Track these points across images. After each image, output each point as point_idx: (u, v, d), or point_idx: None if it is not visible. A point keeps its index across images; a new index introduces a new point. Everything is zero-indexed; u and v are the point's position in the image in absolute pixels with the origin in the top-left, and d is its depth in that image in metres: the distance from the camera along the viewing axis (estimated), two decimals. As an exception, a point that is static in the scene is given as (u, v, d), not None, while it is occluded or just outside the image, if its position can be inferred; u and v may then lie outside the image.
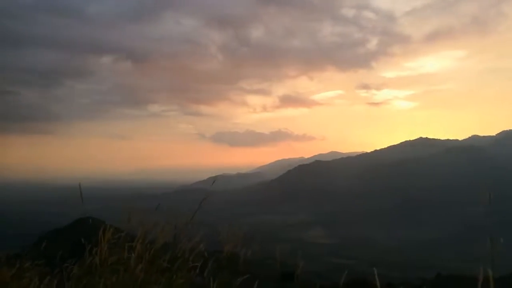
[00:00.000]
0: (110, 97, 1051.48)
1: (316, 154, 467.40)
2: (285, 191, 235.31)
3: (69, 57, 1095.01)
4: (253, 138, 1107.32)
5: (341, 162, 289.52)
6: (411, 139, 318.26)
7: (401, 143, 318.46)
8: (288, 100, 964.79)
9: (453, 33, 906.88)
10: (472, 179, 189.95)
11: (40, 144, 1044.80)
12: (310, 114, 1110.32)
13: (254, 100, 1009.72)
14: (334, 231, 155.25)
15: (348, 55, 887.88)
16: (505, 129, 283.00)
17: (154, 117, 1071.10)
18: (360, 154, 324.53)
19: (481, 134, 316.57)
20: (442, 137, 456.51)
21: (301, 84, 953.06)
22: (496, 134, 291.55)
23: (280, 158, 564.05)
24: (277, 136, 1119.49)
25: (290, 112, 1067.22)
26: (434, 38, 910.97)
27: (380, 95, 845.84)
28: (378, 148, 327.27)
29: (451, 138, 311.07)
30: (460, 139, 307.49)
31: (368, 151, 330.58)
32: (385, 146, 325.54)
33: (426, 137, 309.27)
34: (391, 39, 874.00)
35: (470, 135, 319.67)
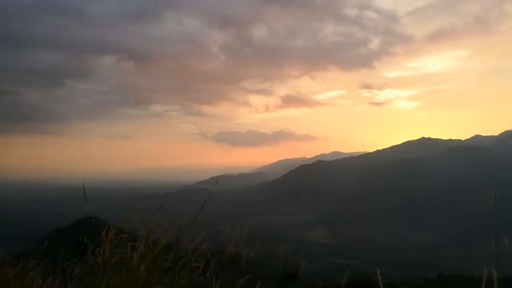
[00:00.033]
0: (111, 97, 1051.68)
1: (318, 154, 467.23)
2: (287, 191, 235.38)
3: (70, 57, 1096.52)
4: (255, 138, 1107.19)
5: (343, 162, 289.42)
6: (413, 139, 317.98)
7: (403, 143, 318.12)
8: (290, 100, 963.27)
9: (455, 33, 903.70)
10: (474, 179, 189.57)
11: (41, 144, 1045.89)
12: (312, 114, 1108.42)
13: (256, 100, 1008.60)
14: (336, 231, 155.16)
15: (350, 55, 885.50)
16: (508, 129, 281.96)
17: (156, 117, 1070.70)
18: (362, 154, 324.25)
19: (484, 134, 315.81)
20: (445, 137, 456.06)
21: (303, 84, 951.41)
22: (499, 134, 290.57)
23: (282, 158, 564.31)
24: (279, 136, 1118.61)
25: (292, 112, 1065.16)
26: (437, 38, 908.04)
27: (382, 95, 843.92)
28: (380, 148, 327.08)
29: (453, 138, 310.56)
30: (462, 139, 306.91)
31: (370, 151, 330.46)
32: (387, 146, 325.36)
33: (429, 137, 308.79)
34: (393, 39, 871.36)
35: (472, 135, 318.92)
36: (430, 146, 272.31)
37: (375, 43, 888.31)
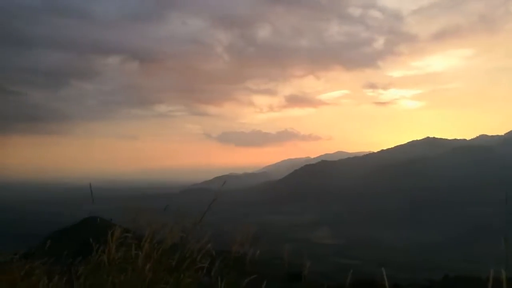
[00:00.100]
0: (116, 97, 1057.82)
1: (322, 154, 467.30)
2: (291, 191, 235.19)
3: (75, 57, 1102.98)
4: (260, 138, 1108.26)
5: (348, 162, 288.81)
6: (418, 139, 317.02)
7: (408, 142, 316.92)
8: (294, 100, 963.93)
9: (460, 31, 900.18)
10: (480, 179, 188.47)
11: (47, 145, 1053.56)
12: (316, 113, 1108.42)
13: (260, 100, 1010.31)
14: (340, 231, 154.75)
15: (354, 55, 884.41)
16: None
17: (160, 117, 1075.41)
18: (366, 154, 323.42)
19: (489, 133, 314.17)
20: (450, 136, 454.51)
21: (308, 83, 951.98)
22: (505, 134, 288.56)
23: (286, 158, 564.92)
24: (284, 136, 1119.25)
25: (296, 112, 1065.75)
26: (441, 37, 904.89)
27: (386, 94, 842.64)
28: (384, 148, 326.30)
29: (458, 138, 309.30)
30: (467, 139, 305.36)
31: (375, 151, 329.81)
32: (392, 146, 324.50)
33: (433, 137, 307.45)
34: (398, 38, 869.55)
35: (478, 135, 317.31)
36: (435, 146, 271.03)
37: (379, 42, 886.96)
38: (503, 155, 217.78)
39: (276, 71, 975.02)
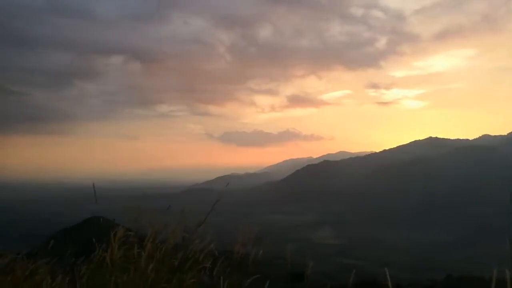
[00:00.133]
0: (118, 97, 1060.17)
1: (324, 154, 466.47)
2: (293, 191, 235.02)
3: (78, 57, 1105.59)
4: (261, 138, 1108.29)
5: (350, 162, 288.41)
6: (420, 139, 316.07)
7: (410, 142, 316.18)
8: (296, 100, 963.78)
9: (463, 31, 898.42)
10: (482, 179, 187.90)
11: (48, 145, 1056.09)
12: (318, 113, 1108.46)
13: (262, 100, 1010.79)
14: (342, 231, 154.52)
15: (356, 55, 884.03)
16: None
17: (162, 117, 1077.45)
18: (369, 154, 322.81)
19: (492, 133, 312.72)
20: (452, 136, 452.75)
21: (309, 83, 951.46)
22: (508, 134, 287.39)
23: (288, 158, 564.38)
24: (285, 136, 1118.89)
25: (298, 112, 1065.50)
26: (444, 36, 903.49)
27: (389, 94, 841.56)
28: (387, 148, 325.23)
29: (461, 138, 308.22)
30: (470, 139, 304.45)
31: (377, 151, 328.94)
32: (394, 146, 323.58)
33: (436, 137, 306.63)
34: (400, 38, 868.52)
35: (480, 135, 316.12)
36: (437, 146, 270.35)
37: (381, 42, 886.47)
38: (506, 155, 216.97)
39: (278, 71, 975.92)
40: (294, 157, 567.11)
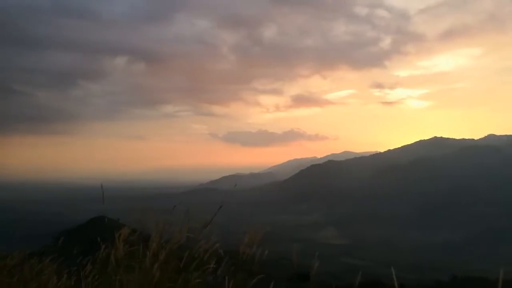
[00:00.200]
0: (123, 98, 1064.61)
1: (329, 154, 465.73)
2: (297, 191, 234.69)
3: (83, 58, 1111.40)
4: (266, 138, 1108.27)
5: (354, 162, 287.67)
6: (425, 139, 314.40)
7: (415, 142, 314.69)
8: (300, 100, 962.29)
9: (468, 30, 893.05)
10: (488, 179, 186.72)
11: (54, 145, 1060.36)
12: (322, 113, 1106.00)
13: (266, 100, 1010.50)
14: (347, 231, 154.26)
15: (361, 54, 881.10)
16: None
17: (167, 118, 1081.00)
18: (373, 154, 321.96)
19: (498, 133, 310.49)
20: (457, 136, 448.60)
21: (314, 83, 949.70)
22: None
23: (292, 158, 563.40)
24: (290, 136, 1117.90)
25: (302, 111, 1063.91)
26: (449, 36, 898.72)
27: (393, 94, 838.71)
28: (391, 148, 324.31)
29: (466, 138, 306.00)
30: (475, 139, 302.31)
31: (382, 150, 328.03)
32: (399, 146, 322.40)
33: (441, 137, 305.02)
34: (404, 37, 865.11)
35: (486, 134, 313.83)
36: (442, 146, 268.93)
37: (386, 42, 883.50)
38: (511, 155, 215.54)
39: (282, 70, 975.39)
40: (299, 157, 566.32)
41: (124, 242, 3.62)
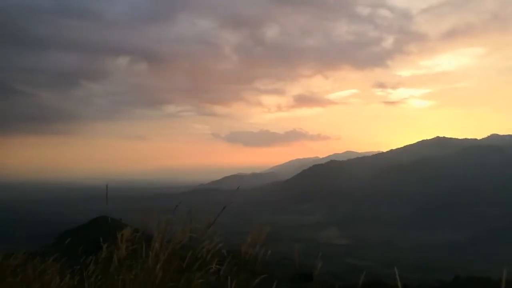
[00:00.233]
0: (125, 98, 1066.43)
1: (331, 153, 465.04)
2: (299, 191, 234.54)
3: (85, 58, 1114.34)
4: (268, 138, 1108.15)
5: (357, 161, 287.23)
6: (427, 139, 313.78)
7: (417, 142, 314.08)
8: (302, 100, 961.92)
9: (471, 30, 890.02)
10: (491, 179, 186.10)
11: (56, 145, 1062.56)
12: (325, 113, 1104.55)
13: (268, 100, 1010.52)
14: (349, 231, 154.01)
15: (363, 54, 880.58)
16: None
17: (169, 118, 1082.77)
18: (376, 154, 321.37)
19: (501, 133, 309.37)
20: (460, 136, 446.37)
21: (316, 83, 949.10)
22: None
23: (294, 158, 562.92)
24: (292, 136, 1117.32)
25: (304, 111, 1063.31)
26: (452, 35, 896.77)
27: (396, 94, 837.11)
28: (394, 148, 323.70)
29: (469, 137, 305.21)
30: (478, 138, 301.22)
31: (384, 150, 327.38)
32: (401, 146, 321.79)
33: (443, 136, 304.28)
34: (407, 37, 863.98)
35: (489, 134, 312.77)
36: (445, 146, 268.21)
37: (388, 41, 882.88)
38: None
39: (284, 70, 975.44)
40: (301, 157, 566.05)
41: (127, 242, 3.63)
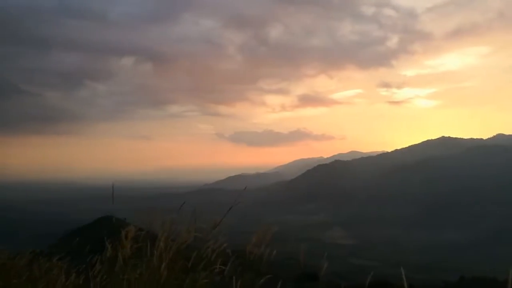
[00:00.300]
0: (129, 98, 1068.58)
1: (335, 153, 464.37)
2: (304, 191, 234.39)
3: (90, 58, 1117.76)
4: (272, 138, 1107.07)
5: (361, 161, 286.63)
6: (433, 138, 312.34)
7: (422, 142, 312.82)
8: (307, 100, 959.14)
9: (477, 29, 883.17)
10: (497, 179, 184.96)
11: (60, 145, 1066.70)
12: (329, 113, 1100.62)
13: (272, 99, 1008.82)
14: (354, 231, 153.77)
15: (368, 54, 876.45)
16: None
17: (173, 118, 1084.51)
18: (380, 154, 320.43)
19: (507, 132, 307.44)
20: (465, 136, 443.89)
21: (320, 83, 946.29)
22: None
23: (299, 158, 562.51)
24: (296, 136, 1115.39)
25: (309, 111, 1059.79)
26: (457, 34, 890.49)
27: (400, 93, 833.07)
28: (399, 148, 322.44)
29: (474, 137, 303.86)
30: (484, 138, 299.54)
31: (389, 150, 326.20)
32: (406, 146, 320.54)
33: (449, 136, 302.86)
34: (412, 36, 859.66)
35: (495, 134, 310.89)
36: (450, 146, 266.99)
37: (393, 41, 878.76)
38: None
39: (289, 70, 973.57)
40: (305, 157, 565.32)
41: (132, 242, 3.64)
